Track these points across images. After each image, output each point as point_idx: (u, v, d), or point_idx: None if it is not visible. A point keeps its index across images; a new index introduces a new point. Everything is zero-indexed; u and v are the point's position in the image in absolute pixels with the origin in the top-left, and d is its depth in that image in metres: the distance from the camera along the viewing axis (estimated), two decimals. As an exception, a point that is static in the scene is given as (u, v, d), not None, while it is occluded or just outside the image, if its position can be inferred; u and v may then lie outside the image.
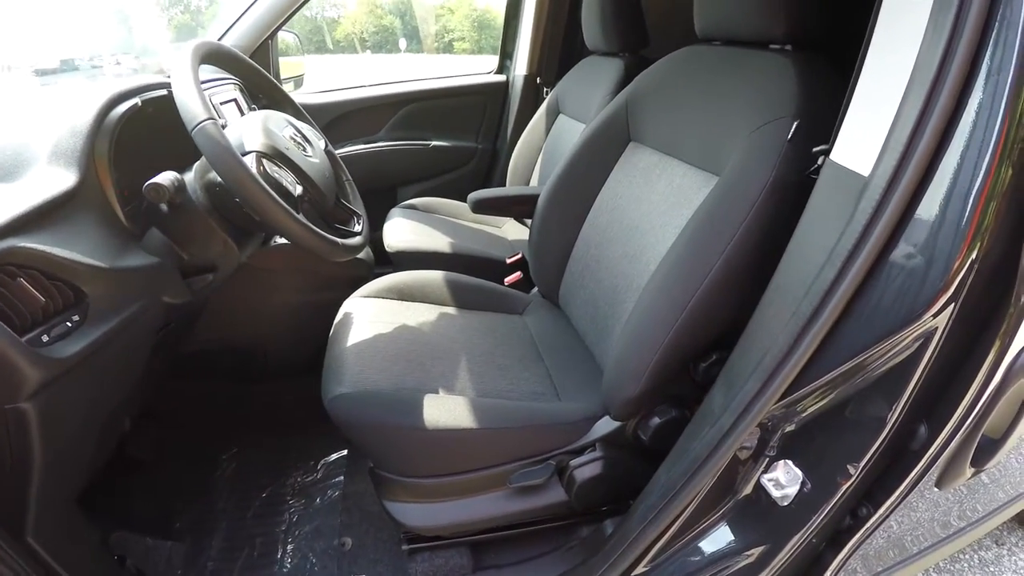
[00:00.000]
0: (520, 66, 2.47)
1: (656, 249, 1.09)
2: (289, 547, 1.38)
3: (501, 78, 2.56)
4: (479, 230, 2.02)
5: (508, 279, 1.60)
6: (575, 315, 1.35)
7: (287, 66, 2.11)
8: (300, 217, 0.94)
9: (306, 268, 1.51)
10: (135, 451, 1.53)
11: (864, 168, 0.66)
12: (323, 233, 0.98)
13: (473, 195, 1.65)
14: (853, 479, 0.78)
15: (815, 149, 0.79)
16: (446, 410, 1.01)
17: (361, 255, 1.57)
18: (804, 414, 0.77)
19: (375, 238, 1.85)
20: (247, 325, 1.57)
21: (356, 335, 1.20)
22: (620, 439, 1.08)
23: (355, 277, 1.46)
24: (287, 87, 2.17)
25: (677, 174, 1.14)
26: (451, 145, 2.44)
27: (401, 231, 1.83)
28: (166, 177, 0.91)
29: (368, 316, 1.27)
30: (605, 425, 1.08)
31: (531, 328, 1.38)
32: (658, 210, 1.14)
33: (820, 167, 0.77)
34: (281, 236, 0.94)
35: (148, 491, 1.48)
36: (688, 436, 0.89)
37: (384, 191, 2.36)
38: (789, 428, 0.80)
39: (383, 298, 1.37)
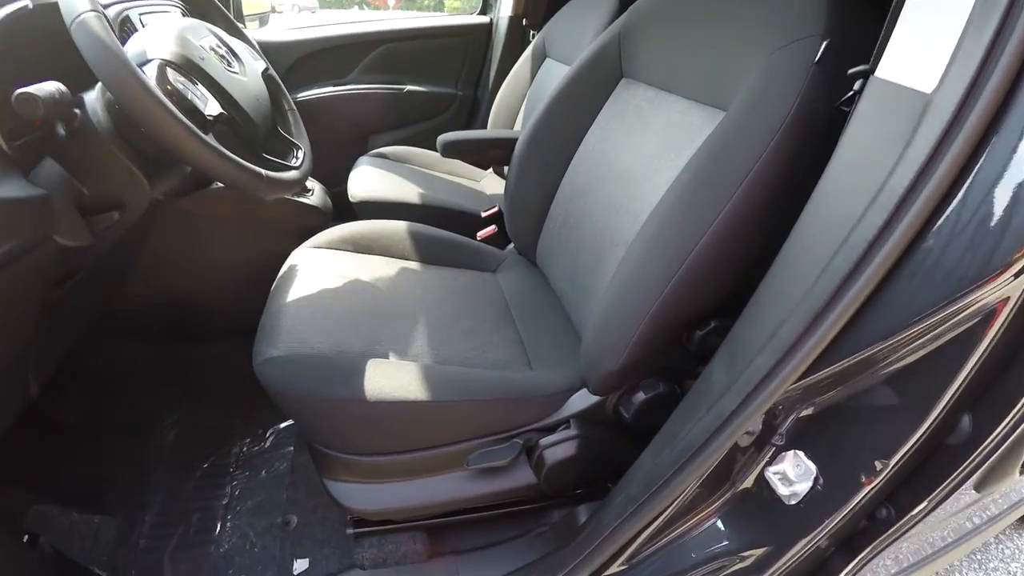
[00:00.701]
0: (505, 7, 2.26)
1: (648, 199, 0.93)
2: (228, 524, 1.24)
3: (484, 19, 2.35)
4: (455, 183, 1.84)
5: (481, 233, 1.44)
6: (553, 274, 1.19)
7: (252, 3, 1.90)
8: (207, 138, 0.76)
9: (253, 217, 1.34)
10: (62, 417, 1.38)
11: (926, 84, 0.50)
12: (239, 160, 0.81)
13: (443, 137, 1.47)
14: (880, 478, 0.64)
15: (852, 71, 0.63)
16: (395, 379, 0.86)
17: (316, 203, 1.40)
18: (825, 397, 0.63)
19: (338, 191, 1.67)
20: (187, 279, 1.40)
21: (299, 290, 1.04)
22: (598, 415, 0.93)
23: (309, 227, 1.29)
24: (250, 26, 1.96)
25: (676, 111, 0.97)
26: (428, 91, 2.24)
27: (366, 180, 1.65)
28: (45, 88, 0.72)
29: (316, 269, 1.11)
30: (582, 399, 0.93)
31: (504, 288, 1.22)
32: (651, 153, 0.98)
33: (857, 93, 0.61)
34: (184, 161, 0.76)
35: (76, 461, 1.33)
36: (679, 418, 0.75)
37: (354, 139, 2.16)
38: (804, 412, 0.66)
39: (336, 249, 1.20)
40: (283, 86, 1.11)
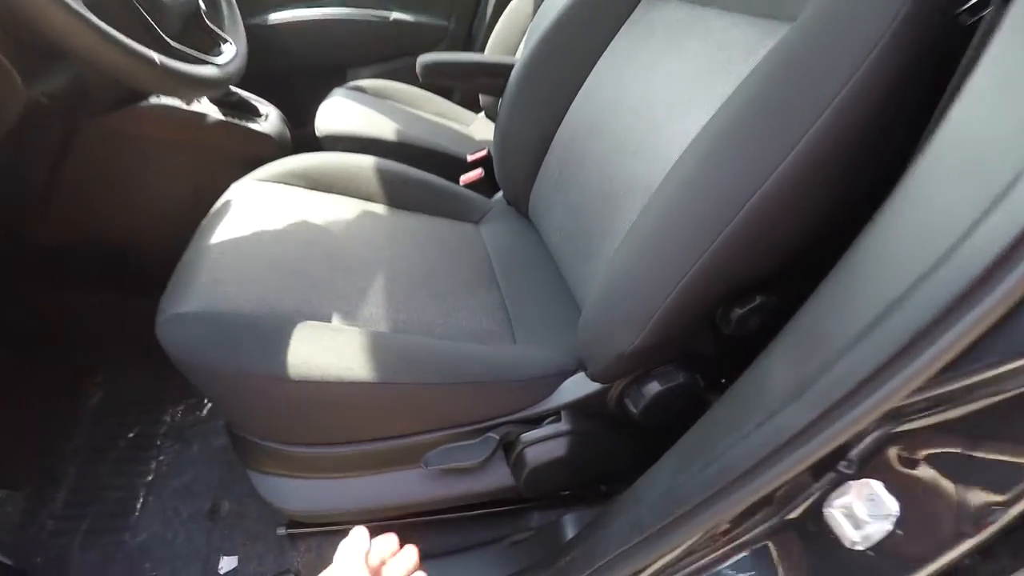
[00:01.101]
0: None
1: (677, 138, 0.72)
2: (150, 506, 1.05)
3: (485, -59, 2.07)
4: (440, 124, 1.60)
5: (465, 177, 1.21)
6: (548, 229, 0.98)
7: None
8: (79, 7, 0.54)
9: (191, 143, 1.11)
10: (-33, 373, 1.17)
11: None
12: (123, 40, 0.59)
13: (424, 57, 1.24)
14: (990, 529, 0.45)
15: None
16: (334, 351, 0.66)
17: (268, 130, 1.17)
18: (931, 414, 0.43)
19: (309, 131, 1.43)
20: (113, 217, 1.17)
21: (230, 230, 0.83)
22: (596, 407, 0.74)
23: (258, 159, 1.06)
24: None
25: (717, 28, 0.75)
26: (417, 21, 1.97)
27: (337, 112, 1.41)
28: None
29: (255, 206, 0.89)
30: (577, 386, 0.74)
31: (487, 242, 1.01)
32: (682, 81, 0.76)
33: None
34: (48, 38, 0.55)
35: (-18, 423, 1.13)
36: (715, 427, 0.55)
37: (330, 72, 1.89)
38: (893, 430, 0.46)
39: (285, 184, 0.98)
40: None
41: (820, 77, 0.52)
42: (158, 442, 1.15)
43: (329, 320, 0.73)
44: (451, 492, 0.76)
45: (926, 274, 0.37)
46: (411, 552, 0.53)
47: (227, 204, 0.90)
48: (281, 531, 0.89)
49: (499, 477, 0.77)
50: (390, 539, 0.52)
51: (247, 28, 1.73)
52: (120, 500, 1.06)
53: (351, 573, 0.46)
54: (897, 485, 0.49)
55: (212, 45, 0.81)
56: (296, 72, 1.84)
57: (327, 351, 0.65)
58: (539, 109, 1.00)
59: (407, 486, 0.75)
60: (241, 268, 0.76)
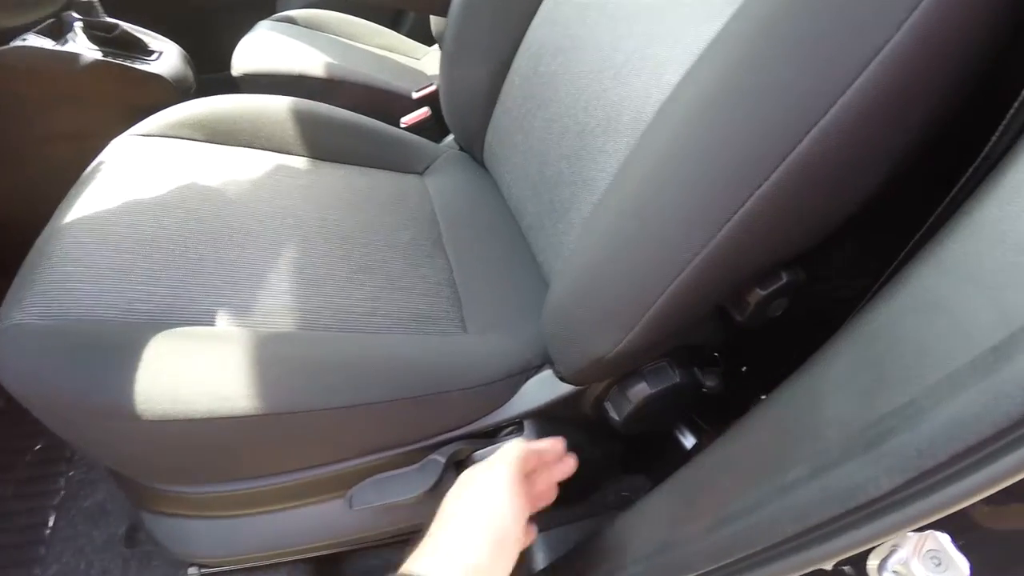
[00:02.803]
0: None
1: (673, 56, 0.53)
2: (61, 533, 0.89)
3: None
4: (385, 57, 1.37)
5: (407, 119, 1.00)
6: (508, 179, 0.79)
7: None
8: None
9: (64, 92, 0.90)
10: None
11: None
12: None
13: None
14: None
15: None
16: (209, 372, 0.48)
17: (161, 70, 0.95)
18: None
19: (228, 76, 1.20)
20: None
21: (97, 204, 0.63)
22: (568, 412, 0.57)
23: (149, 108, 0.86)
24: None
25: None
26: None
27: (258, 48, 1.19)
28: None
29: (134, 169, 0.69)
30: (544, 387, 0.56)
31: (434, 198, 0.82)
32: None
33: None
34: None
35: None
36: (728, 467, 0.38)
37: (255, 2, 1.63)
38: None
39: (177, 137, 0.78)
40: None
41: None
42: (67, 453, 0.97)
43: (211, 322, 0.55)
44: (389, 525, 0.60)
45: None
46: (571, 462, 0.48)
47: (98, 169, 0.70)
48: (193, 571, 0.73)
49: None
50: (557, 443, 0.48)
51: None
52: (27, 528, 0.90)
53: (504, 473, 0.41)
54: (969, 539, 0.34)
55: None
56: (217, 6, 1.58)
57: (197, 372, 0.47)
58: (493, 25, 0.80)
59: (334, 519, 0.59)
60: (106, 256, 0.57)
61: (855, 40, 0.31)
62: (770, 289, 0.43)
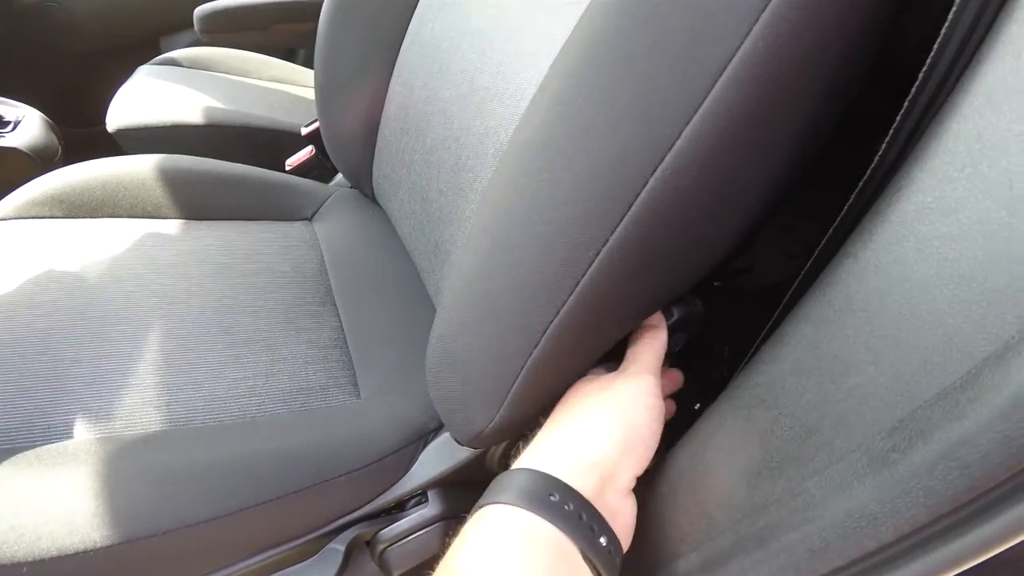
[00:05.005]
0: None
1: (529, 89, 0.49)
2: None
3: None
4: (275, 91, 1.29)
5: (292, 160, 0.94)
6: (397, 215, 0.74)
7: None
8: None
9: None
10: None
11: None
12: None
13: (202, 9, 0.95)
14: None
15: None
16: (55, 504, 0.43)
17: (19, 143, 0.88)
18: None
19: (101, 130, 1.11)
20: None
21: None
22: (476, 474, 0.53)
23: (10, 181, 0.78)
24: None
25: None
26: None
27: (134, 99, 1.10)
28: None
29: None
30: (443, 451, 0.52)
31: (323, 245, 0.76)
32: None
33: None
34: None
35: None
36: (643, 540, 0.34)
37: (138, 46, 1.50)
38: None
39: (35, 217, 0.71)
40: None
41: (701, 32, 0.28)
42: None
43: (70, 434, 0.49)
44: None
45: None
46: (677, 375, 0.45)
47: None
48: None
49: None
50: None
51: (19, 10, 1.38)
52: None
53: (650, 382, 0.37)
54: None
55: None
56: (94, 56, 1.48)
57: (44, 506, 0.42)
58: (363, 54, 0.75)
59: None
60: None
61: (679, 88, 0.27)
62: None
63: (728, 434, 0.31)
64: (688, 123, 0.27)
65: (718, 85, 0.26)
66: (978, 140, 0.20)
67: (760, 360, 0.31)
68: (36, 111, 0.96)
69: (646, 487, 0.37)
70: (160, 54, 1.37)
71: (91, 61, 1.46)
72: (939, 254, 0.21)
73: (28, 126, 0.91)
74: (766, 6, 0.24)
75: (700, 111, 0.27)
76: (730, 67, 0.25)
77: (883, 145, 0.26)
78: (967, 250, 0.20)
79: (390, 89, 0.74)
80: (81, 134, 1.04)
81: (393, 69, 0.73)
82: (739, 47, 0.25)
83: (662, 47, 0.28)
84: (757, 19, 0.24)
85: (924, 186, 0.23)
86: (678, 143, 0.27)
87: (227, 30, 0.97)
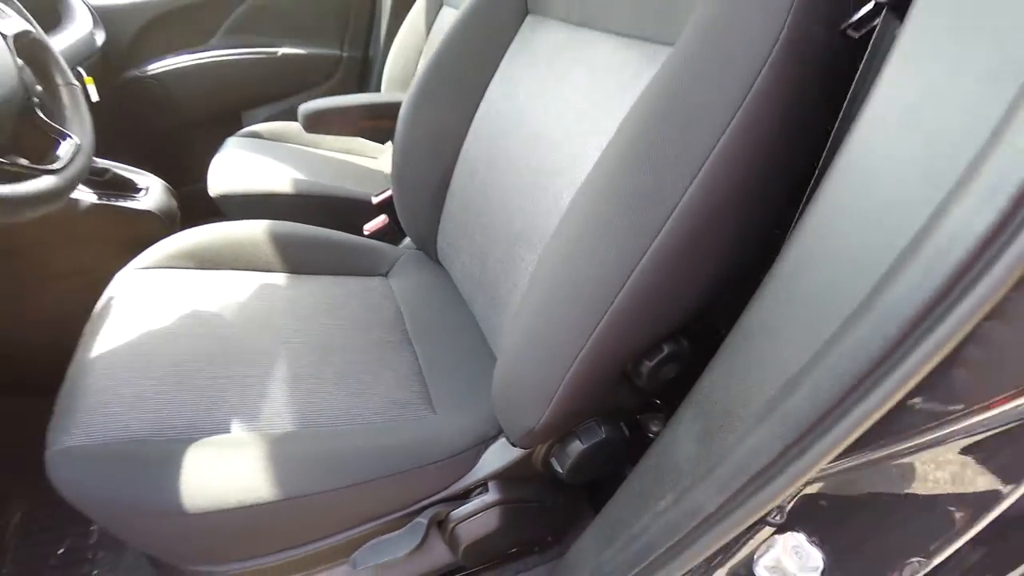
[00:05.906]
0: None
1: (571, 174, 0.69)
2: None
3: (370, -39, 2.00)
4: (345, 162, 1.54)
5: (369, 226, 1.16)
6: (458, 275, 0.94)
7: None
8: None
9: (65, 237, 1.03)
10: None
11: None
12: None
13: (305, 107, 1.18)
14: (917, 576, 0.44)
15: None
16: (233, 472, 0.61)
17: (150, 206, 1.09)
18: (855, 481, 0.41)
19: (203, 188, 1.35)
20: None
21: (112, 336, 0.76)
22: (524, 471, 0.71)
23: (143, 241, 0.99)
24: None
25: (601, 53, 0.71)
26: (308, 53, 1.89)
27: (230, 168, 1.33)
28: None
29: (141, 300, 0.82)
30: (500, 454, 0.70)
31: (398, 296, 0.97)
32: (572, 111, 0.73)
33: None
34: None
35: None
36: (631, 503, 0.52)
37: (223, 118, 1.79)
38: (812, 489, 0.44)
39: (172, 268, 0.91)
40: (54, 51, 0.80)
41: (701, 112, 0.48)
42: (90, 555, 1.06)
43: (228, 430, 0.67)
44: (388, 580, 0.72)
45: (821, 352, 0.34)
46: None
47: (109, 302, 0.83)
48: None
49: (438, 555, 0.73)
50: None
51: (123, 83, 1.63)
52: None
53: None
54: (822, 536, 0.47)
55: (49, 145, 0.73)
56: (186, 125, 1.74)
57: (224, 473, 0.60)
58: (433, 147, 0.96)
59: (339, 583, 0.71)
60: (129, 381, 0.69)
61: (664, 190, 0.47)
62: (655, 360, 0.58)
63: (688, 418, 0.48)
64: (703, 162, 0.46)
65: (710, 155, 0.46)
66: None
67: (709, 368, 0.48)
68: (159, 180, 1.18)
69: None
70: (242, 126, 1.63)
71: (183, 131, 1.71)
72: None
73: (155, 192, 1.12)
74: (738, 109, 0.44)
75: (706, 161, 0.46)
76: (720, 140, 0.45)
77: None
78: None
79: (455, 172, 0.95)
80: (184, 192, 1.25)
81: (458, 158, 0.94)
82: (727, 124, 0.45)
83: (683, 139, 0.48)
84: (734, 115, 0.45)
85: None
86: (700, 175, 0.47)
87: (323, 124, 1.20)
